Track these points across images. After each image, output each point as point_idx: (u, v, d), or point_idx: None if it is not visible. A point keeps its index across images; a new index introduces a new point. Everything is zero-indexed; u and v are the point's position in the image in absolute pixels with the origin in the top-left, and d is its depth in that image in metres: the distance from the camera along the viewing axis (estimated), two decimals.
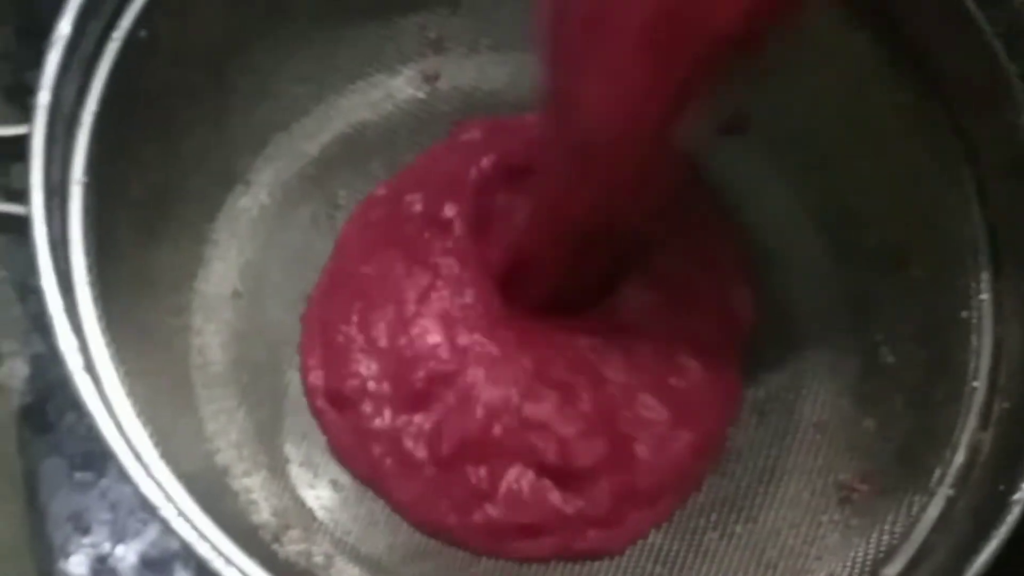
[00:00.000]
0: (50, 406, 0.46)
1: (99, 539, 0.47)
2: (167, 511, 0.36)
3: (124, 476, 0.36)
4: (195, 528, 0.36)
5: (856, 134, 0.50)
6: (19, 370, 0.47)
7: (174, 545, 0.46)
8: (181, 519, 0.36)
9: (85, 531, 0.47)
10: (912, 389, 0.47)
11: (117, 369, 0.39)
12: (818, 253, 0.53)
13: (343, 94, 0.54)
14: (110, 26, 0.43)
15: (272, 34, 0.50)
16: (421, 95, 0.56)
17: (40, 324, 0.40)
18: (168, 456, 0.38)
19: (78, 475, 0.47)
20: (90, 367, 0.38)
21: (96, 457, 0.46)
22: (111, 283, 0.41)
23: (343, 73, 0.54)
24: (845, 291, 0.52)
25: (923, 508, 0.43)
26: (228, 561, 0.36)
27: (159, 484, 0.37)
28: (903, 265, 0.49)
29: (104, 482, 0.47)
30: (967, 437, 0.44)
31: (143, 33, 0.44)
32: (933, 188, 0.47)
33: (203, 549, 0.35)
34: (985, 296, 0.45)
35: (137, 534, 0.47)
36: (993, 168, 0.45)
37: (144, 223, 0.46)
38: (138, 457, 0.37)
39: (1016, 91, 0.43)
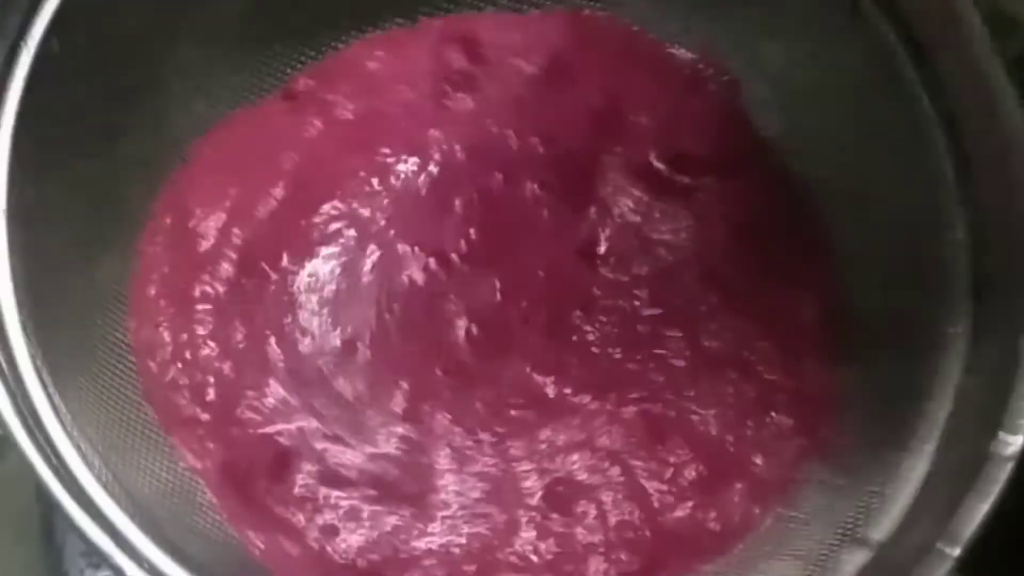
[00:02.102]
0: None
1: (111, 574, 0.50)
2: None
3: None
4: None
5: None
6: None
7: None
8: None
9: (98, 566, 0.49)
10: (887, 336, 0.45)
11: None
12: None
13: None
14: (17, 42, 0.41)
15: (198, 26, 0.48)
16: None
17: None
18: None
19: None
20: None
21: None
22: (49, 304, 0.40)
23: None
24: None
25: (910, 466, 0.41)
26: None
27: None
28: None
29: None
30: (952, 385, 0.42)
31: (56, 45, 0.42)
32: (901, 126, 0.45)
33: None
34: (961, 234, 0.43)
35: None
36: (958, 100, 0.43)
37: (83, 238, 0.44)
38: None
39: None
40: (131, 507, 0.38)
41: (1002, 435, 0.38)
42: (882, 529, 0.41)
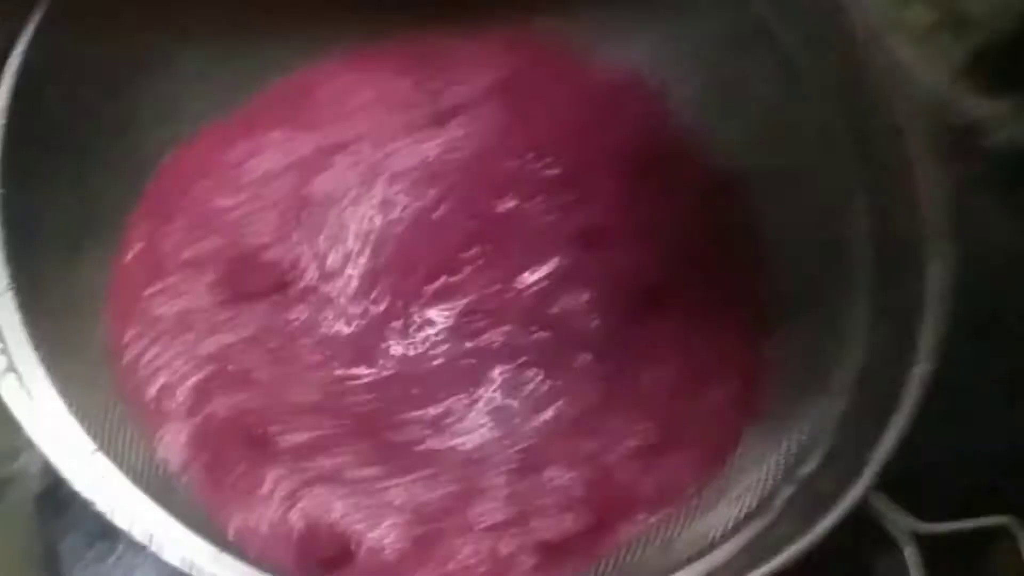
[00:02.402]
0: (63, 490, 0.47)
1: None
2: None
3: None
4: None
5: None
6: (35, 460, 0.52)
7: None
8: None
9: None
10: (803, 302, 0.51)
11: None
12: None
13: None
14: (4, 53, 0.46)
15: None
16: None
17: None
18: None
19: (95, 548, 0.51)
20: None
21: (110, 530, 0.48)
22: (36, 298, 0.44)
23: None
24: None
25: (831, 407, 0.46)
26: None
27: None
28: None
29: (119, 550, 0.51)
30: (862, 333, 0.47)
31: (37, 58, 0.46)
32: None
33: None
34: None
35: None
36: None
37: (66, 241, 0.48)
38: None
39: None
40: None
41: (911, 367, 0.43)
42: (809, 465, 0.45)
